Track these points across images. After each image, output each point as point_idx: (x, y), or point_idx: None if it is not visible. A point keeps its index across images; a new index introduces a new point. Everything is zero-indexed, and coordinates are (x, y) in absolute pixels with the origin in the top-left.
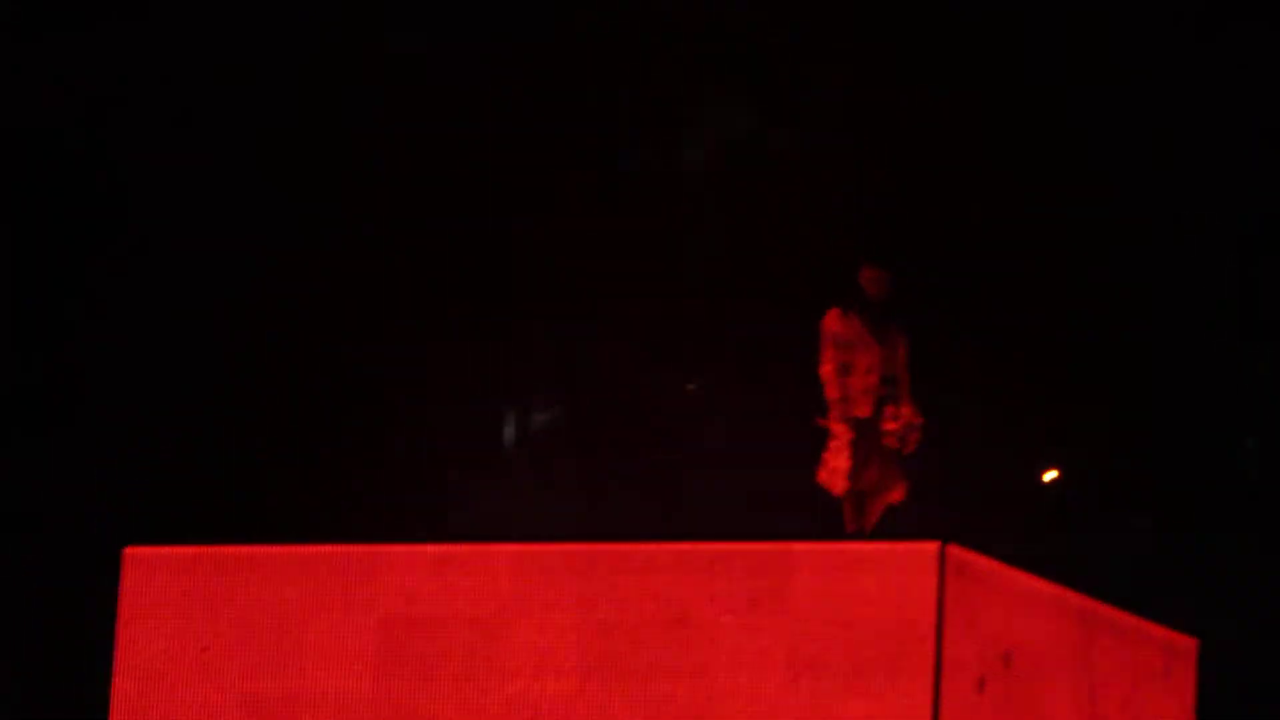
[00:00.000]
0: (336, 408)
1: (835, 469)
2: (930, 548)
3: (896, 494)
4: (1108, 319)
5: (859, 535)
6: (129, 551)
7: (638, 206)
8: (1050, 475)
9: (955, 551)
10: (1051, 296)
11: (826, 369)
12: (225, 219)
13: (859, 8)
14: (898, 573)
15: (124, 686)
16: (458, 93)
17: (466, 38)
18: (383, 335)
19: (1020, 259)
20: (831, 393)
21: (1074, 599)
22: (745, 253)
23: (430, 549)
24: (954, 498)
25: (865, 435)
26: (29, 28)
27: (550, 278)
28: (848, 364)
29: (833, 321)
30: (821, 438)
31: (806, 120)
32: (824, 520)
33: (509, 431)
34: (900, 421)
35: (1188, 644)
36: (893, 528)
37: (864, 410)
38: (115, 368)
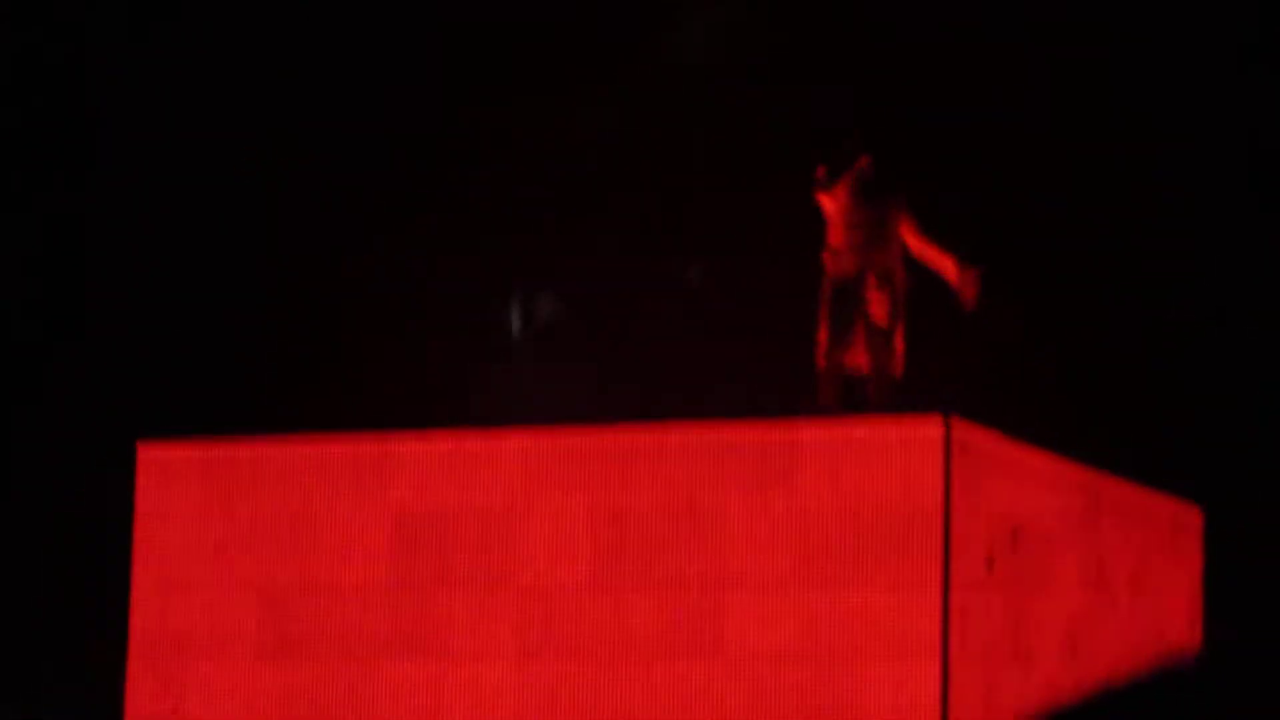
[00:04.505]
0: (342, 305)
1: (816, 341)
2: (935, 429)
3: (892, 372)
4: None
5: (838, 408)
6: (143, 451)
7: (634, 99)
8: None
9: (959, 429)
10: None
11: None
12: (232, 116)
13: None
14: (903, 453)
15: (143, 583)
16: None
17: None
18: (387, 231)
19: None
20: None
21: (1079, 473)
22: (743, 139)
23: (440, 443)
24: (962, 367)
25: (850, 308)
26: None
27: (549, 169)
28: (836, 226)
29: (819, 187)
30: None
31: (800, 12)
32: (840, 397)
33: (513, 322)
34: (888, 296)
35: (1193, 513)
36: (900, 401)
37: (848, 265)
38: (124, 259)
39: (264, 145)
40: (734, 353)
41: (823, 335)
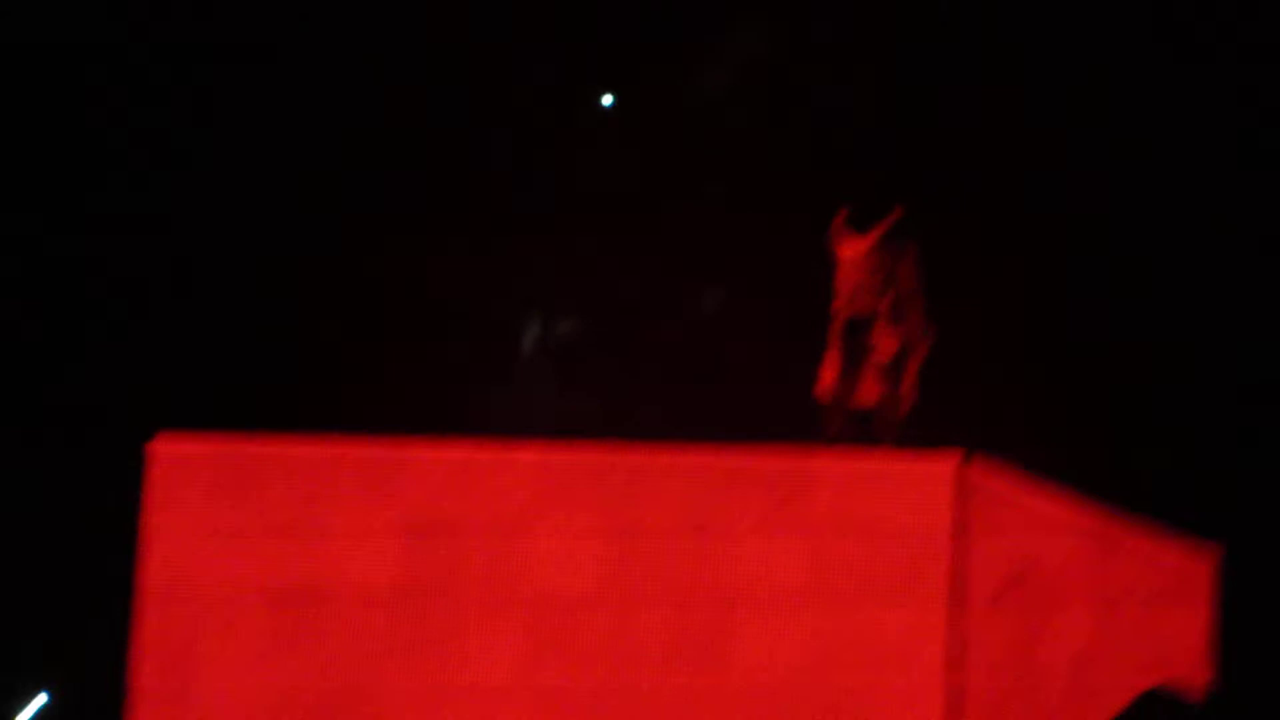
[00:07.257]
0: (362, 315)
1: (820, 379)
2: (947, 463)
3: (898, 409)
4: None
5: (844, 441)
6: (157, 445)
7: (651, 123)
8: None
9: (972, 467)
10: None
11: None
12: (257, 125)
13: None
14: (915, 488)
15: (152, 576)
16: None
17: None
18: (408, 245)
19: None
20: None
21: (1089, 517)
22: (763, 165)
23: (452, 453)
24: (979, 406)
25: (858, 349)
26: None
27: (569, 189)
28: (845, 268)
29: (833, 232)
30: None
31: (826, 33)
32: (846, 432)
33: (529, 339)
34: (897, 336)
35: (1205, 560)
36: (912, 438)
37: (860, 306)
38: (143, 257)
39: (286, 144)
40: (745, 382)
41: (830, 371)
